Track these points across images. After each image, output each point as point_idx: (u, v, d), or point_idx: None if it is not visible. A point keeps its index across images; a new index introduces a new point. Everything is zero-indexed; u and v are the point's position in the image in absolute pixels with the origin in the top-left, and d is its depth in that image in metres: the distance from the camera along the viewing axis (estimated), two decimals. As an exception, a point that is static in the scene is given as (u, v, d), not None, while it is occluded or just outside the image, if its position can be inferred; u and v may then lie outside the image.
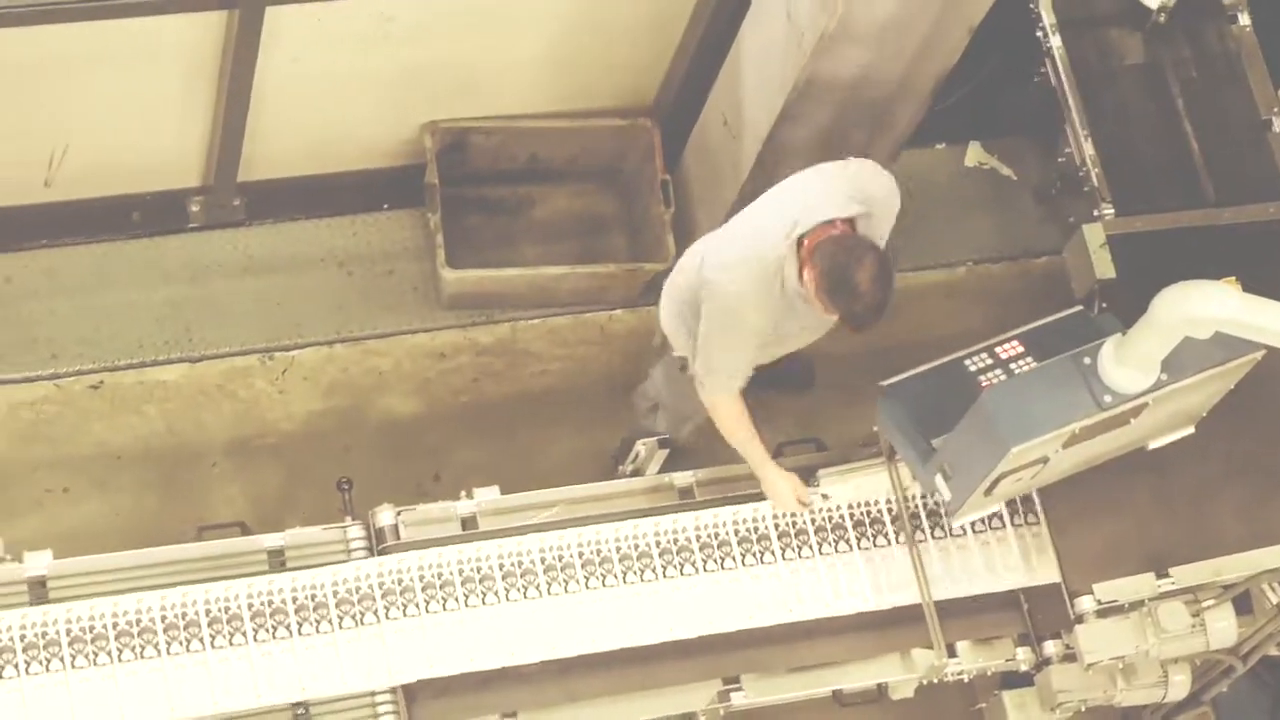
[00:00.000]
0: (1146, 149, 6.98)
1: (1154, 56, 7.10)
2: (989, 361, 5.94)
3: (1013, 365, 5.91)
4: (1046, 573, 6.23)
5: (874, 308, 5.79)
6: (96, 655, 5.69)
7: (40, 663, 5.67)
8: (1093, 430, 5.67)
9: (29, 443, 7.08)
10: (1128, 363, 5.54)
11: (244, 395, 7.26)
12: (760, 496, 6.18)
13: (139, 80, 6.76)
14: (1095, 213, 6.80)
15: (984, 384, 5.85)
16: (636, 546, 6.08)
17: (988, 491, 5.82)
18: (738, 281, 5.95)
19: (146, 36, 6.57)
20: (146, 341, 7.27)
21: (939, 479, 5.87)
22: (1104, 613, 6.17)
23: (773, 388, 7.01)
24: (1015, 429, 5.53)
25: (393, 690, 5.84)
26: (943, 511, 6.18)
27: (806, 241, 5.86)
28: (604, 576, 6.03)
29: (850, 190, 5.96)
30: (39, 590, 5.78)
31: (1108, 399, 5.58)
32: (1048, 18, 7.03)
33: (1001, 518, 6.25)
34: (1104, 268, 6.64)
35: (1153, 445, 6.08)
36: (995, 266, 7.97)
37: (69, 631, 5.70)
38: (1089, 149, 6.87)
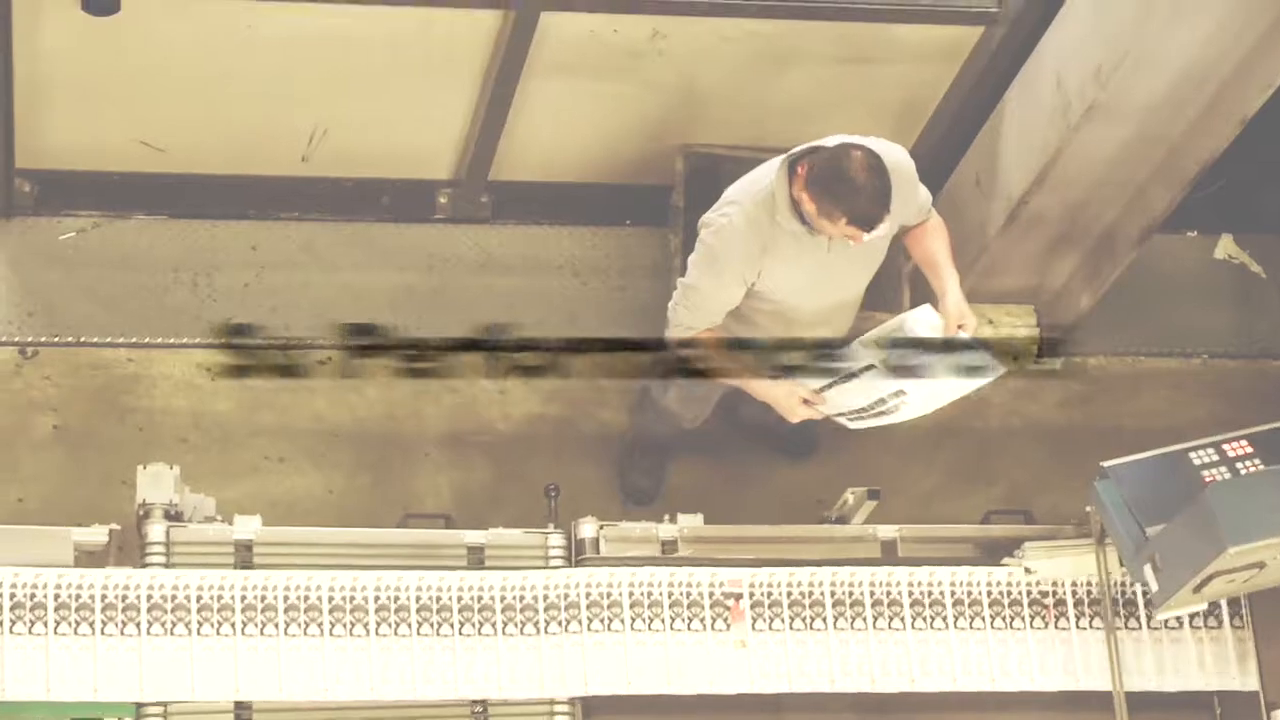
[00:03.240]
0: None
1: None
2: (1215, 457, 5.85)
3: (1239, 464, 5.82)
4: (1245, 679, 6.08)
5: (875, 198, 5.75)
6: (308, 626, 5.75)
7: (255, 625, 5.72)
8: (1315, 542, 5.56)
9: (253, 409, 7.20)
10: (1360, 478, 5.44)
11: (465, 390, 7.32)
12: (975, 561, 6.10)
13: (406, 69, 6.87)
14: (1341, 321, 6.69)
15: (1207, 479, 5.78)
16: (850, 594, 6.00)
17: (1197, 589, 5.72)
18: (728, 215, 5.98)
19: (420, 27, 6.68)
20: (377, 324, 7.33)
21: (1148, 569, 5.78)
22: (1299, 729, 6.05)
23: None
24: (1236, 529, 5.44)
25: (571, 701, 5.85)
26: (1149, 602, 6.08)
27: (800, 169, 5.85)
28: (810, 620, 5.97)
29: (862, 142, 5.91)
30: (244, 554, 5.86)
31: (1335, 512, 5.47)
32: (1322, 117, 6.90)
33: (1218, 616, 6.11)
34: (1344, 378, 6.53)
35: (1374, 566, 5.95)
36: (1231, 363, 7.83)
37: (285, 599, 5.76)
38: (1345, 256, 6.75)
